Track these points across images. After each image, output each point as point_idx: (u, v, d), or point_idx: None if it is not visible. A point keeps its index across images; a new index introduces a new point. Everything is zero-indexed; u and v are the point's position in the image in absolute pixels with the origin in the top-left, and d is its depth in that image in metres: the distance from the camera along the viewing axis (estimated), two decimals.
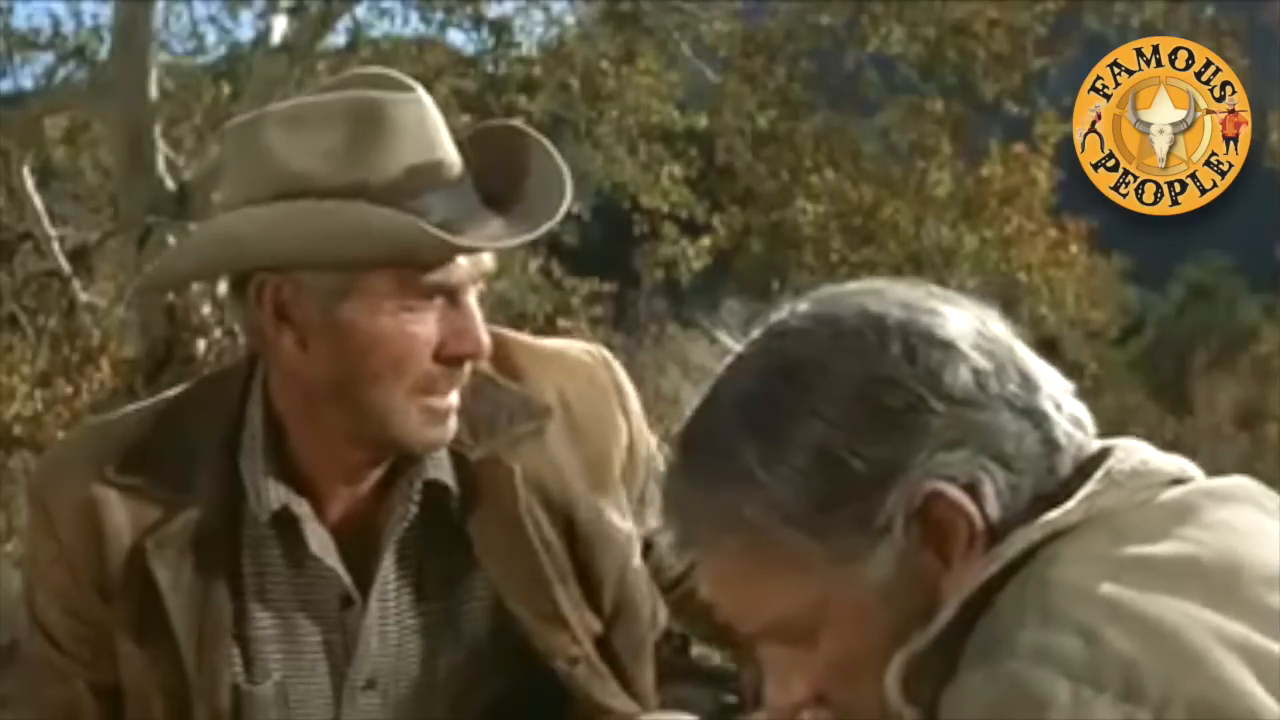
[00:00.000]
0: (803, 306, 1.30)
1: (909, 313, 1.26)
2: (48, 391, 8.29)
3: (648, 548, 1.94)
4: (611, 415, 1.94)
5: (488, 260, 1.79)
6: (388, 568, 1.87)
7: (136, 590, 1.84)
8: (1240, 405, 18.06)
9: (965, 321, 1.27)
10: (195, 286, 8.55)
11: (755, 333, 1.31)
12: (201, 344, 8.33)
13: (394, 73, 1.82)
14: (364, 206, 1.75)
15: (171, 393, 1.97)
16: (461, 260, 1.75)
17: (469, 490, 1.87)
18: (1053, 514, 1.21)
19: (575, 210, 11.75)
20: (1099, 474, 1.24)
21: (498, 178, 1.82)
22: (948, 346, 1.24)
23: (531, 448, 1.89)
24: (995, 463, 1.23)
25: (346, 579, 1.86)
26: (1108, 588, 1.15)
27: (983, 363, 1.24)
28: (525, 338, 1.99)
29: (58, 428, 8.03)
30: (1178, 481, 1.27)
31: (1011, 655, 1.13)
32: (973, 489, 1.22)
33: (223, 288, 8.76)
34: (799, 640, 1.27)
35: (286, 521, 1.85)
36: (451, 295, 1.76)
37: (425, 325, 1.76)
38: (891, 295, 1.28)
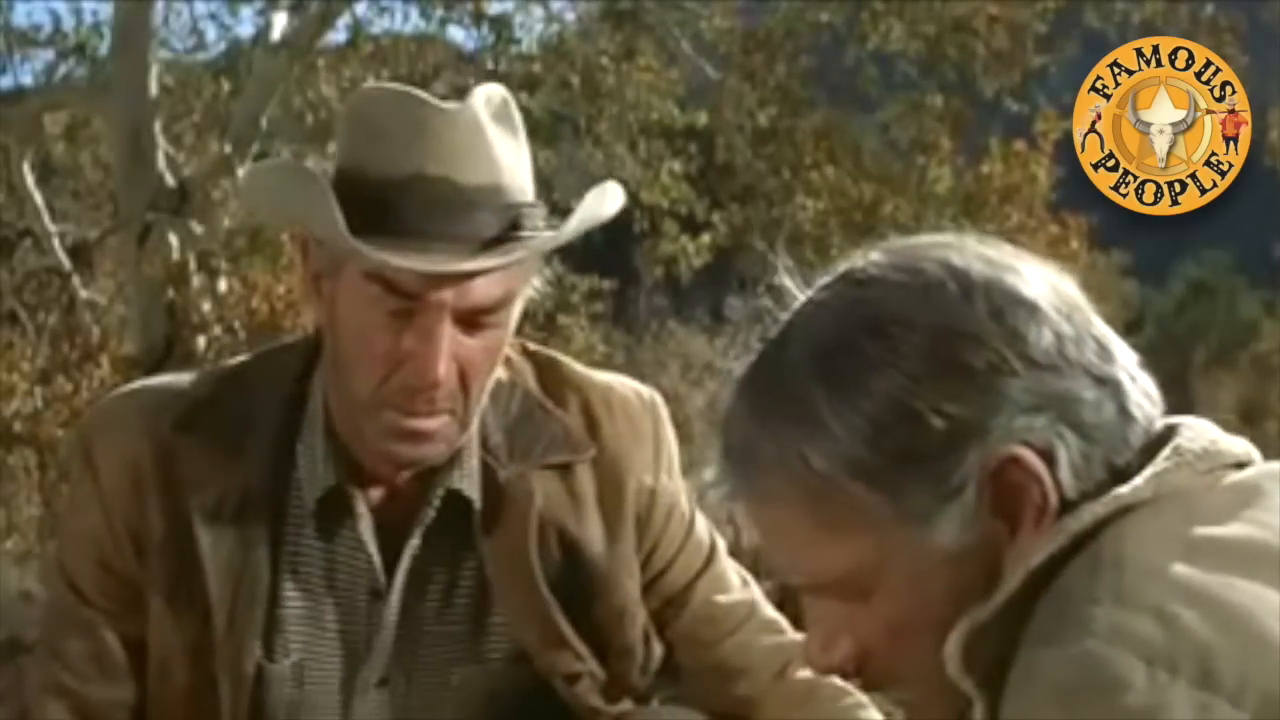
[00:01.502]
0: (877, 256, 1.26)
1: (993, 269, 1.23)
2: (48, 389, 8.27)
3: (647, 589, 1.94)
4: (642, 463, 1.93)
5: (484, 293, 1.75)
6: (412, 568, 1.87)
7: (175, 549, 1.85)
8: (1240, 402, 18.01)
9: (1044, 283, 1.24)
10: (195, 283, 8.56)
11: (828, 279, 1.27)
12: (201, 341, 8.32)
13: (480, 89, 1.80)
14: (310, 181, 1.75)
15: (236, 360, 1.98)
16: (442, 288, 1.73)
17: (492, 507, 1.87)
18: (1122, 489, 1.19)
19: (575, 207, 11.71)
20: (1167, 451, 1.22)
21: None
22: (1032, 308, 1.22)
23: (558, 478, 1.89)
24: (1072, 431, 1.20)
25: (379, 570, 1.86)
26: (1181, 569, 1.13)
27: (1065, 327, 1.22)
28: (578, 366, 1.98)
29: (58, 425, 8.01)
30: (1242, 465, 1.25)
31: (1087, 634, 1.11)
32: (1048, 456, 1.20)
33: (223, 285, 8.76)
34: (852, 597, 1.24)
35: (330, 504, 1.86)
36: (418, 313, 1.74)
37: (383, 334, 1.74)
38: (971, 251, 1.25)
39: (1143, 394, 1.25)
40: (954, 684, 1.21)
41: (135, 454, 1.86)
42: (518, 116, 1.80)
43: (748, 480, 1.26)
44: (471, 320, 1.76)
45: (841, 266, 1.27)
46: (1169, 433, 1.24)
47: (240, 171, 8.79)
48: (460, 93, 1.79)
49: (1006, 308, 1.21)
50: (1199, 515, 1.18)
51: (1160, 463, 1.21)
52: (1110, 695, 1.08)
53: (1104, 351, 1.24)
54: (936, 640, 1.21)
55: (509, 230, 1.75)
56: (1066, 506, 1.20)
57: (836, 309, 1.24)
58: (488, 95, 1.78)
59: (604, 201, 1.84)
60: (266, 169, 2.10)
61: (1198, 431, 1.25)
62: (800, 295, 1.27)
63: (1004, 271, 1.23)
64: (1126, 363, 1.25)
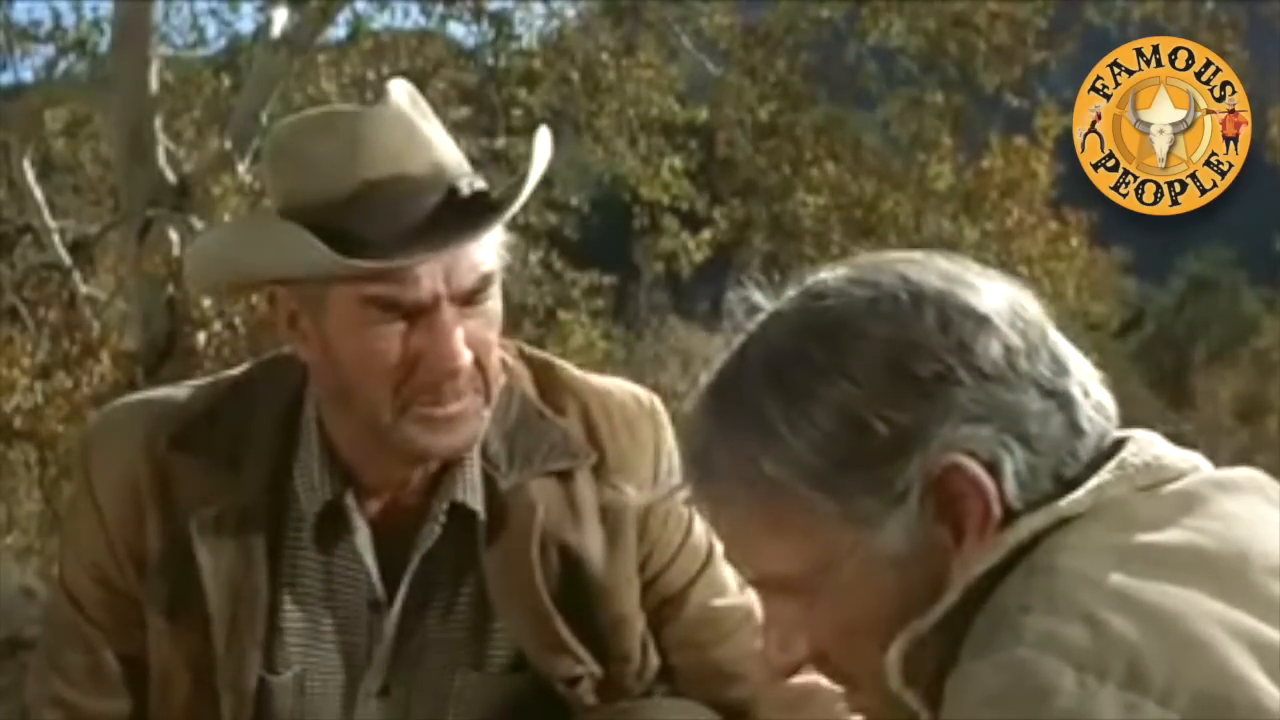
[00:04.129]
0: (842, 270, 1.30)
1: (947, 283, 1.26)
2: (48, 384, 8.27)
3: (644, 591, 1.94)
4: (641, 469, 1.92)
5: (471, 276, 1.76)
6: (414, 580, 1.87)
7: (175, 567, 1.85)
8: (1240, 398, 18.02)
9: (1001, 298, 1.27)
10: None
11: (791, 292, 1.30)
12: (202, 337, 8.31)
13: (391, 85, 1.81)
14: (273, 226, 1.75)
15: (232, 373, 1.98)
16: (423, 277, 1.73)
17: (494, 516, 1.86)
18: (1062, 502, 1.22)
19: (575, 203, 11.75)
20: (1111, 465, 1.24)
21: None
22: (982, 320, 1.24)
23: (559, 485, 1.88)
24: (1018, 442, 1.23)
25: (378, 583, 1.86)
26: (1114, 576, 1.15)
27: (1015, 340, 1.25)
28: (576, 371, 1.97)
29: (58, 420, 8.01)
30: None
31: (1018, 642, 1.13)
32: (993, 466, 1.22)
33: None
34: (803, 595, 1.27)
35: (328, 518, 1.85)
36: (418, 312, 1.74)
37: (389, 341, 1.74)
38: (931, 266, 1.28)
39: (1095, 408, 1.27)
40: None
41: (132, 472, 1.86)
42: (425, 103, 1.81)
43: (705, 483, 1.30)
44: (468, 299, 1.76)
45: (808, 280, 1.31)
46: (1117, 446, 1.27)
47: (241, 167, 8.79)
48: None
49: (956, 319, 1.24)
50: (1137, 524, 1.20)
51: (1103, 475, 1.23)
52: (1040, 700, 1.10)
53: (1058, 365, 1.26)
54: (883, 645, 1.24)
55: (470, 203, 1.76)
56: (1012, 517, 1.23)
57: (792, 320, 1.28)
58: (399, 88, 1.79)
59: (544, 151, 1.84)
60: (223, 234, 2.08)
61: (1143, 445, 1.27)
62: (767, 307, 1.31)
63: (958, 285, 1.27)
64: (1082, 377, 1.28)
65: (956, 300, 1.25)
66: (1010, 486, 1.23)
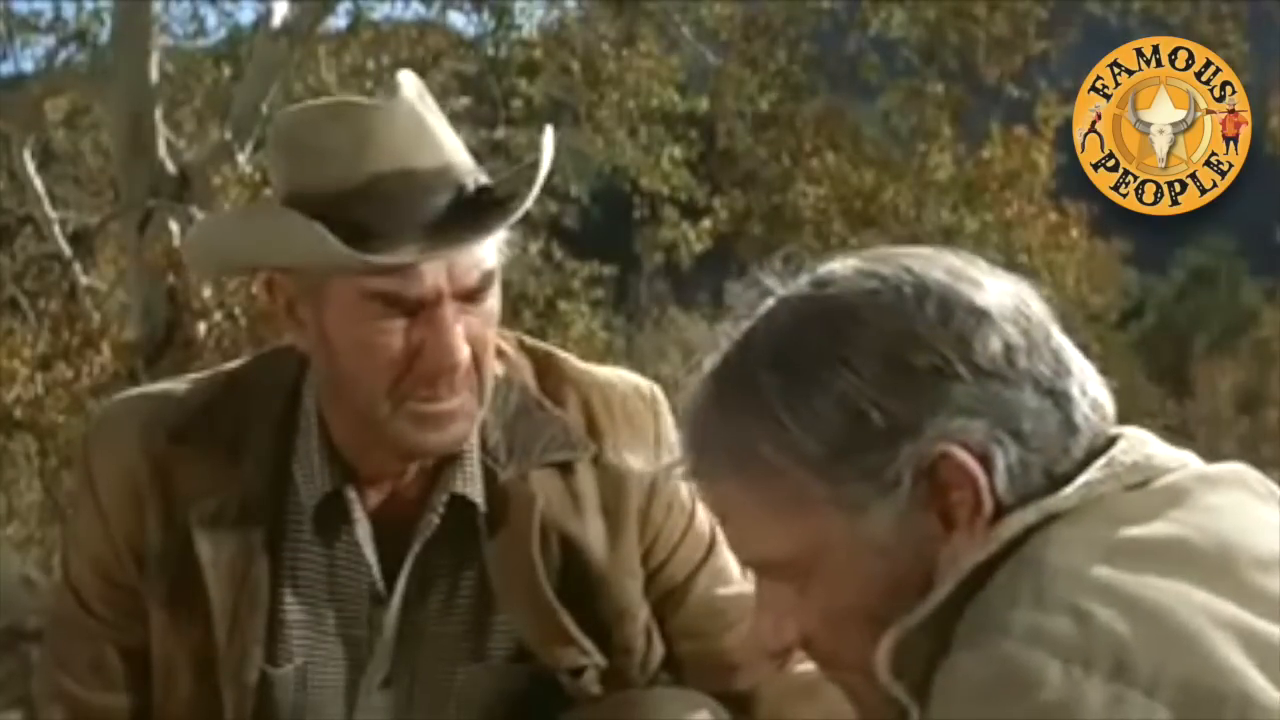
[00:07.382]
0: (850, 261, 1.31)
1: (951, 278, 1.28)
2: (48, 375, 8.27)
3: (648, 582, 1.94)
4: (643, 460, 1.92)
5: (474, 274, 1.76)
6: (414, 572, 1.87)
7: (175, 560, 1.86)
8: (1240, 389, 18.03)
9: (1006, 295, 1.28)
10: None
11: (800, 279, 1.32)
12: (202, 327, 8.32)
13: (401, 78, 1.81)
14: (283, 215, 1.75)
15: (229, 366, 1.98)
16: (427, 274, 1.73)
17: (494, 507, 1.86)
18: (1050, 499, 1.23)
19: (575, 193, 11.75)
20: (1101, 462, 1.25)
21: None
22: (983, 316, 1.26)
23: (559, 477, 1.88)
24: (1011, 437, 1.24)
25: (378, 575, 1.86)
26: (1100, 570, 1.16)
27: (1016, 337, 1.26)
28: (577, 362, 1.97)
29: (58, 411, 8.02)
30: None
31: (1005, 636, 1.14)
32: (984, 459, 1.23)
33: None
34: (794, 580, 1.28)
35: (327, 510, 1.86)
36: (420, 307, 1.74)
37: (389, 336, 1.74)
38: (938, 260, 1.30)
39: (1091, 406, 1.28)
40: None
41: (132, 468, 1.86)
42: (431, 99, 1.81)
43: (702, 462, 1.32)
44: (469, 296, 1.77)
45: (819, 268, 1.32)
46: (1110, 444, 1.28)
47: (241, 158, 8.80)
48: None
49: (957, 314, 1.25)
50: (1123, 518, 1.21)
51: (1092, 472, 1.25)
52: (1026, 693, 1.11)
53: (1059, 365, 1.27)
54: (870, 632, 1.25)
55: (476, 201, 1.76)
56: (1003, 511, 1.24)
57: (797, 306, 1.29)
58: (409, 82, 1.79)
59: (551, 151, 1.83)
60: (226, 219, 2.07)
61: (1134, 443, 1.28)
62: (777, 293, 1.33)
63: (962, 281, 1.28)
64: (1081, 376, 1.29)
65: (959, 295, 1.26)
66: (1001, 480, 1.24)
